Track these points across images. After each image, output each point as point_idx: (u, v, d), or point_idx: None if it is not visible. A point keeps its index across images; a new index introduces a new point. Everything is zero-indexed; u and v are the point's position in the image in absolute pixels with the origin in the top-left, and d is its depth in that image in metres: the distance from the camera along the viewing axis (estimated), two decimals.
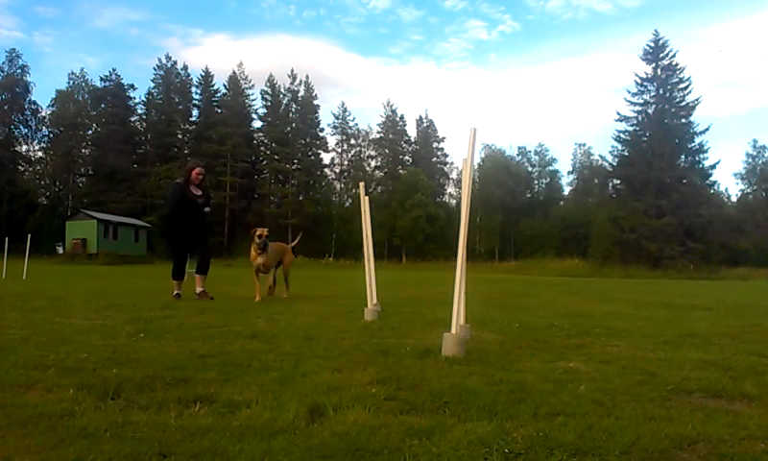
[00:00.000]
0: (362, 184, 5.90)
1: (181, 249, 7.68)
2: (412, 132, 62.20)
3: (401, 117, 61.07)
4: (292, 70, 56.35)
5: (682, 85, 41.51)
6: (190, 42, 77.29)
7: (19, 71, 50.86)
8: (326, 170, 58.90)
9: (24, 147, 52.54)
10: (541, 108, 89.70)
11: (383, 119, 60.74)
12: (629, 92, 42.78)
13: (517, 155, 65.27)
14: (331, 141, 58.98)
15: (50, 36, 75.44)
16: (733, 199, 58.48)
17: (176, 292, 7.44)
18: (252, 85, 56.37)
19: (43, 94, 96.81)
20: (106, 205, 45.39)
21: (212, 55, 79.47)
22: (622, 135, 43.18)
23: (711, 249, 38.91)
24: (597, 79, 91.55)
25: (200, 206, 7.53)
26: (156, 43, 79.57)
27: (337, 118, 59.48)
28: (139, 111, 55.96)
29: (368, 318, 5.18)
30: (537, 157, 65.79)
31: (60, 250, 38.23)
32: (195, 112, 56.28)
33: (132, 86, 54.06)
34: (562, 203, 64.21)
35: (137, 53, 79.42)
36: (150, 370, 2.70)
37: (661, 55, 41.91)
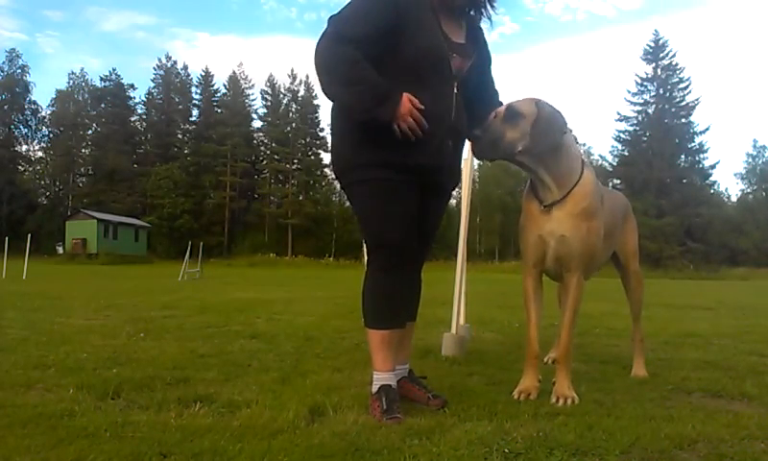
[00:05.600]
0: None
1: (398, 199, 2.11)
2: None
3: None
4: (292, 70, 56.39)
5: (682, 85, 41.58)
6: (195, 45, 77.47)
7: (19, 71, 50.93)
8: (326, 170, 58.91)
9: (24, 147, 52.67)
10: None
11: None
12: (629, 92, 42.92)
13: None
14: None
15: (53, 38, 75.56)
16: (733, 199, 58.48)
17: (384, 405, 2.01)
18: (253, 85, 56.41)
19: (43, 94, 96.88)
20: (106, 205, 45.37)
21: (212, 55, 79.58)
22: (622, 135, 43.25)
23: (711, 249, 38.90)
24: (597, 79, 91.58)
25: (461, 70, 2.17)
26: (162, 46, 79.83)
27: None
28: (139, 111, 55.99)
29: None
30: None
31: (60, 250, 38.22)
32: (195, 112, 56.26)
33: (132, 86, 54.13)
34: None
35: (142, 56, 79.72)
36: (150, 370, 2.70)
37: (661, 55, 41.96)
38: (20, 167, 52.06)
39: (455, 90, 2.14)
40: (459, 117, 2.17)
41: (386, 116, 1.97)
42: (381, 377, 2.12)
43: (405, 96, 1.98)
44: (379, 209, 2.13)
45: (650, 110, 42.25)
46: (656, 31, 42.98)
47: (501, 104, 2.34)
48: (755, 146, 58.55)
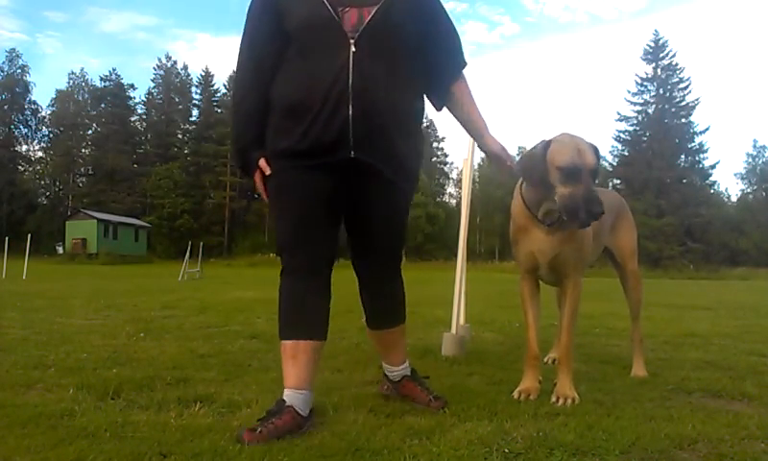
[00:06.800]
0: None
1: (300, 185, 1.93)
2: None
3: None
4: None
5: (682, 85, 41.62)
6: (196, 46, 77.58)
7: (19, 71, 50.98)
8: None
9: (24, 147, 52.75)
10: (541, 108, 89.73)
11: None
12: (629, 92, 42.97)
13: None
14: None
15: (53, 38, 75.61)
16: (733, 199, 58.47)
17: (288, 409, 1.83)
18: None
19: (43, 94, 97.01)
20: (106, 205, 45.39)
21: (213, 56, 79.66)
22: (622, 135, 43.28)
23: (711, 249, 38.89)
24: (597, 79, 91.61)
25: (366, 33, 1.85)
26: (163, 47, 79.89)
27: None
28: (139, 111, 56.06)
29: None
30: None
31: (60, 250, 38.23)
32: (195, 112, 56.31)
33: (131, 86, 54.22)
34: None
35: (142, 56, 79.77)
36: (150, 370, 2.70)
37: (661, 55, 41.99)
38: (20, 167, 52.10)
39: (353, 50, 1.83)
40: (367, 80, 1.84)
41: (238, 163, 2.04)
42: (285, 393, 1.88)
43: (257, 174, 1.97)
44: (275, 207, 1.97)
45: (650, 110, 42.28)
46: (656, 31, 43.13)
47: (461, 74, 2.16)
48: (755, 146, 58.63)
